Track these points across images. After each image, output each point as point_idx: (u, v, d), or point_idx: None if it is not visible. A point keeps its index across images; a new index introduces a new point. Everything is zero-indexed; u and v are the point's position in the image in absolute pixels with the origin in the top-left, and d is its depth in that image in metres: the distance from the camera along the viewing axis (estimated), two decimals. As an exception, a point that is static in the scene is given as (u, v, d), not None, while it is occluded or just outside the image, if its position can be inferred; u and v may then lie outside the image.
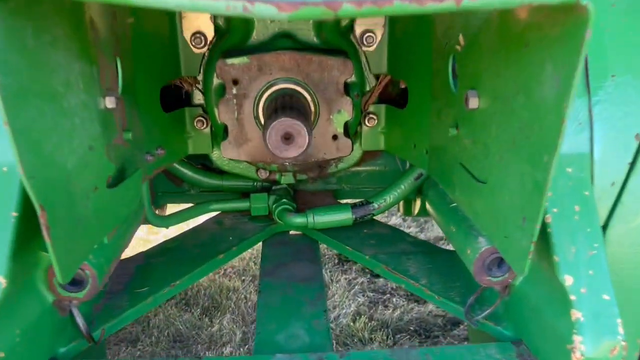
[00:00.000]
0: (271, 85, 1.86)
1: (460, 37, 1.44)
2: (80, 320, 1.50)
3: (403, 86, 2.01)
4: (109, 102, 1.33)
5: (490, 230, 1.32)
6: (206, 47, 2.00)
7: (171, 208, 2.60)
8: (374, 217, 2.22)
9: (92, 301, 1.66)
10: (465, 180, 1.45)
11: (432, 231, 4.92)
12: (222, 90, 1.93)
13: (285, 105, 1.66)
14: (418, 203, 2.50)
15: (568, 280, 1.25)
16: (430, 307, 3.85)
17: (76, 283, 1.44)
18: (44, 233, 1.03)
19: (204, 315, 3.67)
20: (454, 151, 1.54)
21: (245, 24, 1.95)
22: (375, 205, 2.11)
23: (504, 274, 1.49)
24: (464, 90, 1.39)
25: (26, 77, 0.96)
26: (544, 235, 1.27)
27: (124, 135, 1.48)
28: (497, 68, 1.19)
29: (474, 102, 1.32)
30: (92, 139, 1.23)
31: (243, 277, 4.13)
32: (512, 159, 1.15)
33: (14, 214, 1.25)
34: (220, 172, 2.38)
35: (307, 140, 1.55)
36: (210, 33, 1.98)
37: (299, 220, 2.10)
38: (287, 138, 1.55)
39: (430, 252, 2.01)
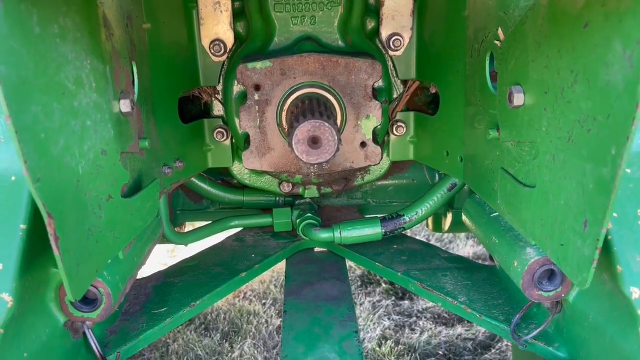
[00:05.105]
0: (295, 90, 1.75)
1: (500, 31, 1.36)
2: (94, 343, 1.40)
3: (433, 91, 1.90)
4: (124, 106, 1.25)
5: (541, 239, 1.20)
6: (225, 55, 1.93)
7: (189, 227, 2.51)
8: (404, 232, 2.09)
9: (107, 323, 1.56)
10: (509, 186, 1.35)
11: (459, 250, 4.80)
12: (243, 98, 1.84)
13: (311, 109, 1.54)
14: (449, 217, 2.38)
15: (635, 293, 1.14)
16: (459, 329, 3.74)
17: (89, 302, 1.33)
18: (52, 243, 0.94)
19: (224, 340, 3.59)
20: (493, 156, 1.47)
21: (266, 28, 1.87)
22: (407, 219, 1.98)
23: (556, 287, 1.35)
24: (505, 87, 1.30)
25: (31, 69, 0.87)
26: (604, 244, 1.14)
27: (140, 144, 1.40)
28: (547, 58, 1.11)
29: (519, 99, 1.25)
30: (104, 143, 1.14)
31: (264, 301, 4.06)
32: (569, 158, 1.06)
33: (22, 226, 1.17)
34: (240, 187, 2.32)
35: (335, 144, 1.43)
36: (229, 40, 1.91)
37: (325, 235, 1.99)
38: (315, 142, 1.43)
39: (467, 267, 1.87)
